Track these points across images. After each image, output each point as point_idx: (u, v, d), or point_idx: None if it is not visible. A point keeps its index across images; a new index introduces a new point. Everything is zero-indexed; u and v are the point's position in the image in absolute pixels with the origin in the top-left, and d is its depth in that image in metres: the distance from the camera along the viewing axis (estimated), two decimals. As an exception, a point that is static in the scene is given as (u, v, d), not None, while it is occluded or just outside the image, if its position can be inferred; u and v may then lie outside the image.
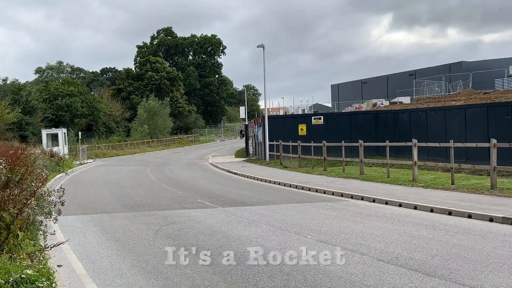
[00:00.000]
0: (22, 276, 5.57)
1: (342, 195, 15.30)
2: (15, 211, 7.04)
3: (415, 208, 12.35)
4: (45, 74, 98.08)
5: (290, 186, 18.80)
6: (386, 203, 13.34)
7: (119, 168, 35.18)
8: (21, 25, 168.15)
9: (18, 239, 6.85)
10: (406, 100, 48.41)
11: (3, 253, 6.64)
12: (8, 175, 8.88)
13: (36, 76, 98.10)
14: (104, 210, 13.76)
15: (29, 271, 5.59)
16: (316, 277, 6.61)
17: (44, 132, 42.36)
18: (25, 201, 7.36)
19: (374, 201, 13.87)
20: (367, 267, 7.03)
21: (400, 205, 12.87)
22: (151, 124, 69.76)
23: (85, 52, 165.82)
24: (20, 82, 68.01)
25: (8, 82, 69.05)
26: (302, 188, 17.77)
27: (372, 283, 6.30)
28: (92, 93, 78.39)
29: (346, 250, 8.03)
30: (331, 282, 6.38)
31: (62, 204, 8.74)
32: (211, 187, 19.53)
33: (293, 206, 13.51)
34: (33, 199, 8.31)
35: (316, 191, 16.71)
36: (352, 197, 14.84)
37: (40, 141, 41.47)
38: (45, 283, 5.62)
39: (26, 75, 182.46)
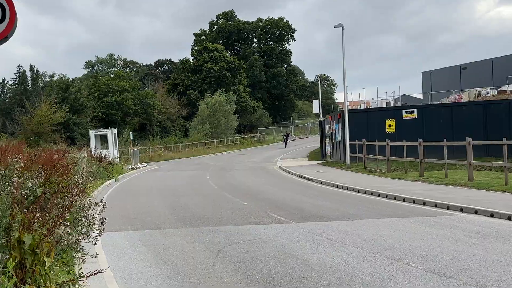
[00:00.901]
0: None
1: (448, 208, 14.06)
2: (43, 232, 6.54)
3: (551, 225, 10.92)
4: (95, 68, 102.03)
5: (378, 195, 17.84)
6: (509, 218, 11.98)
7: (175, 173, 35.35)
8: (71, 13, 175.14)
9: (45, 268, 6.33)
10: (518, 87, 45.52)
11: (26, 286, 6.15)
12: (40, 191, 8.49)
13: (86, 71, 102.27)
14: (155, 225, 13.37)
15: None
16: (432, 325, 5.59)
17: (92, 133, 43.45)
18: (56, 219, 6.87)
19: (492, 215, 12.52)
20: (501, 311, 5.92)
21: (529, 221, 11.48)
22: (212, 122, 70.57)
23: (139, 42, 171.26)
24: (68, 78, 71.02)
25: (56, 78, 72.21)
26: (395, 198, 16.73)
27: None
28: (146, 88, 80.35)
29: (468, 286, 6.91)
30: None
31: (103, 223, 8.23)
32: (281, 196, 19.05)
33: (386, 221, 12.47)
34: (68, 215, 7.84)
35: (413, 202, 15.60)
36: (461, 210, 13.59)
37: (89, 143, 42.54)
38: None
39: (75, 70, 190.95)
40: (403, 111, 32.17)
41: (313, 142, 63.41)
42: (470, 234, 10.56)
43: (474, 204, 13.73)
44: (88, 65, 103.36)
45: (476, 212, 13.10)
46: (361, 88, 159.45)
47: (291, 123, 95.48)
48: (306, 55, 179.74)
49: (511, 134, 25.94)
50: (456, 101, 44.38)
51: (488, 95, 43.99)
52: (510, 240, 9.85)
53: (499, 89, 46.40)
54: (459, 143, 20.86)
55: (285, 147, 62.01)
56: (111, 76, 77.76)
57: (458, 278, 7.30)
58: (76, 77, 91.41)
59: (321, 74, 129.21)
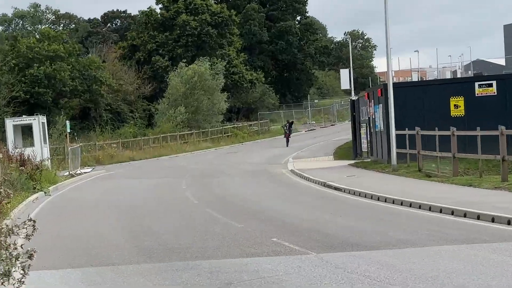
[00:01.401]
0: None
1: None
2: None
3: None
4: (13, 25, 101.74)
5: (440, 211, 17.90)
6: None
7: (135, 182, 35.41)
8: None
9: None
10: None
11: None
12: None
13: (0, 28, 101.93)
14: (106, 259, 13.45)
15: None
16: None
17: (10, 123, 43.29)
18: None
19: None
20: None
21: None
22: (190, 104, 70.52)
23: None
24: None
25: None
26: (465, 215, 16.76)
27: None
28: (89, 55, 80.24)
29: None
30: None
31: (30, 257, 8.26)
32: (294, 215, 19.23)
33: (451, 250, 12.53)
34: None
35: (493, 221, 15.62)
36: None
37: (5, 138, 42.49)
38: None
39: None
40: (476, 84, 32.11)
41: (341, 132, 63.35)
42: None
43: None
44: (3, 21, 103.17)
45: None
46: (412, 51, 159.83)
47: (308, 105, 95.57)
48: (330, 3, 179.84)
49: None
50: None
51: None
52: None
53: None
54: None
55: (287, 145, 59.79)
56: (37, 36, 77.61)
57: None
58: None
59: (352, 31, 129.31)
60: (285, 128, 64.37)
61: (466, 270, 10.81)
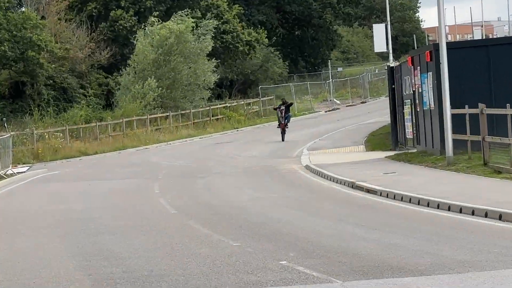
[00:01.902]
0: None
1: None
2: None
3: None
4: None
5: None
6: None
7: (88, 185, 35.43)
8: None
9: None
10: None
11: None
12: None
13: None
14: (50, 294, 13.41)
15: None
16: None
17: None
18: None
19: None
20: None
21: None
22: (165, 76, 70.30)
23: None
24: None
25: None
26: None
27: None
28: (23, 9, 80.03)
29: None
30: None
31: None
32: (311, 228, 19.42)
33: (530, 274, 12.51)
34: None
35: None
36: None
37: None
38: None
39: None
40: None
41: (375, 112, 63.38)
42: None
43: None
44: None
45: None
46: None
47: (329, 75, 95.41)
48: None
49: None
50: None
51: None
52: None
53: None
54: None
55: (282, 139, 55.09)
56: None
57: None
58: None
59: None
60: (279, 112, 56.10)
61: None
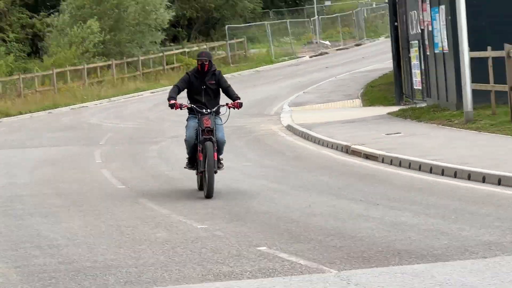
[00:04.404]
0: None
1: None
2: None
3: None
4: None
5: None
6: None
7: (12, 154, 35.34)
8: None
9: None
10: None
11: None
12: None
13: None
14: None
15: None
16: None
17: None
18: None
19: None
20: None
21: None
22: (107, 15, 70.46)
23: None
24: None
25: None
26: None
27: None
28: None
29: None
30: None
31: None
32: (296, 205, 19.29)
33: None
34: None
35: None
36: None
37: None
38: None
39: None
40: None
41: (375, 57, 63.85)
42: None
43: None
44: None
45: None
46: None
47: (315, 11, 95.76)
48: None
49: None
50: None
51: None
52: None
53: None
54: None
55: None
56: None
57: None
58: None
59: None
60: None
61: None
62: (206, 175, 16.84)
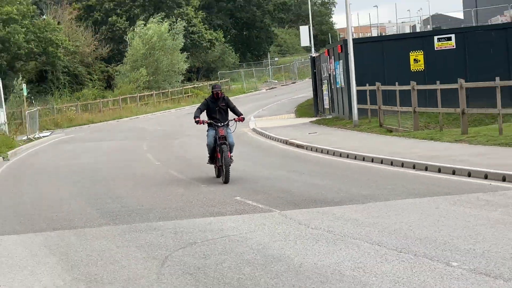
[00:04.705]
0: None
1: (504, 179, 14.38)
2: None
3: None
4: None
5: (402, 165, 18.11)
6: None
7: (94, 145, 35.09)
8: None
9: None
10: None
11: None
12: None
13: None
14: (69, 223, 13.32)
15: None
16: None
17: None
18: None
19: None
20: None
21: None
22: (150, 65, 70.11)
23: None
24: None
25: None
26: (426, 169, 16.99)
27: None
28: (44, 16, 78.65)
29: (535, 291, 7.11)
30: None
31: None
32: (258, 174, 19.26)
33: (413, 203, 12.68)
34: None
35: (453, 173, 15.89)
36: (524, 181, 13.88)
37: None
38: None
39: None
40: (436, 38, 32.15)
41: (302, 90, 63.26)
42: (536, 217, 10.81)
43: (542, 173, 14.04)
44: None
45: (545, 184, 13.41)
46: (371, 6, 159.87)
47: (269, 63, 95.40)
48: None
49: None
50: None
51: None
52: None
53: None
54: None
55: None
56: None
57: (521, 282, 7.49)
58: None
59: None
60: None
61: (428, 222, 10.94)
62: (224, 168, 16.20)
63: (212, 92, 17.40)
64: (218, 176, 17.50)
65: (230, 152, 17.00)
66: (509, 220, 10.62)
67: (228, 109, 17.47)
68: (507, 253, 8.68)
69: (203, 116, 17.39)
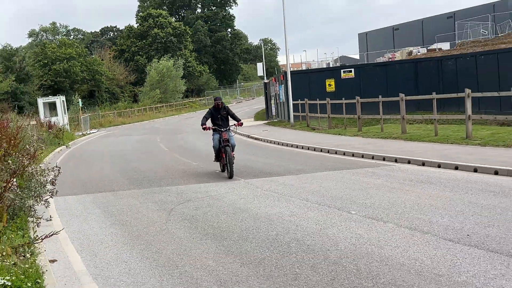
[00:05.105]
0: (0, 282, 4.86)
1: (384, 159, 14.46)
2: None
3: (475, 170, 11.41)
4: (39, 37, 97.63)
5: (321, 150, 18.08)
6: (439, 166, 12.44)
7: (125, 138, 34.73)
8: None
9: (-1, 232, 6.16)
10: (445, 46, 46.62)
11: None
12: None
13: (30, 39, 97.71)
14: (108, 188, 13.16)
15: (2, 281, 4.87)
16: (371, 265, 5.79)
17: (40, 101, 41.87)
18: (5, 184, 6.65)
19: (423, 164, 12.96)
20: (433, 249, 6.18)
21: (456, 168, 11.94)
22: (161, 87, 69.82)
23: (84, 9, 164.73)
24: (12, 47, 67.38)
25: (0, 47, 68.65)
26: (336, 153, 17.02)
27: (445, 271, 5.44)
28: (93, 55, 77.69)
29: (403, 228, 7.19)
30: (391, 271, 5.55)
31: (53, 184, 8.04)
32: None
33: (328, 174, 12.70)
34: (16, 180, 7.62)
35: (353, 155, 15.93)
36: (396, 160, 13.99)
37: (38, 111, 41.03)
38: (32, 288, 4.91)
39: (20, 38, 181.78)
40: (342, 71, 32.40)
41: (259, 103, 63.39)
42: (404, 182, 10.89)
43: (407, 155, 14.10)
44: (32, 33, 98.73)
45: (409, 162, 13.49)
46: (302, 51, 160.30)
47: (237, 86, 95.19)
48: (251, 20, 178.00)
49: (440, 89, 26.64)
50: (390, 60, 45.06)
51: (419, 53, 44.85)
52: (439, 185, 10.21)
53: (428, 48, 47.27)
54: (393, 99, 21.18)
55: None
56: (57, 43, 74.79)
57: (394, 222, 7.57)
58: (21, 45, 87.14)
59: (264, 38, 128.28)
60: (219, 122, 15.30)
61: (337, 186, 11.01)
62: (228, 166, 13.07)
63: (215, 103, 14.12)
64: (222, 170, 14.25)
65: (232, 151, 13.75)
66: (387, 185, 10.73)
67: (229, 116, 14.21)
68: (386, 205, 8.80)
69: (208, 123, 14.41)
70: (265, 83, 45.28)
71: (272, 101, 40.34)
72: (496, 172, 10.97)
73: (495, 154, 12.88)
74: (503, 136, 15.65)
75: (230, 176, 13.11)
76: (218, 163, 14.95)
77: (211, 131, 14.11)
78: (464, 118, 16.62)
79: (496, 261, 5.63)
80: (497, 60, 23.56)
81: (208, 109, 14.23)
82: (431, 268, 5.59)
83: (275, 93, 38.27)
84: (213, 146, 14.04)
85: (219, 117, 13.99)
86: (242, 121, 14.44)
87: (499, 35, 39.58)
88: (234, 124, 14.15)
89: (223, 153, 13.73)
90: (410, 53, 45.95)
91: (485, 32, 44.08)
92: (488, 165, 11.42)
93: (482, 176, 10.89)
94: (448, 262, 5.71)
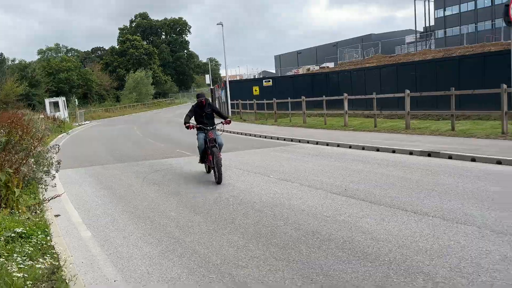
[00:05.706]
0: (18, 231, 4.54)
1: (291, 140, 14.65)
2: (11, 171, 5.90)
3: (350, 147, 11.83)
4: (46, 54, 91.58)
5: (250, 135, 17.94)
6: (327, 145, 12.79)
7: (111, 127, 33.24)
8: (29, 11, 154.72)
9: (16, 196, 5.75)
10: (331, 65, 47.84)
11: (2, 210, 5.56)
12: (5, 138, 7.54)
13: (39, 56, 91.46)
14: (98, 163, 12.53)
15: (19, 230, 4.55)
16: (283, 211, 5.90)
17: (47, 101, 39.43)
18: (21, 161, 6.20)
19: (317, 143, 13.28)
20: (323, 199, 6.38)
21: (338, 146, 12.33)
22: (137, 91, 67.30)
23: (80, 34, 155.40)
24: (26, 61, 63.39)
25: (16, 62, 64.40)
26: (260, 137, 16.96)
27: (330, 213, 5.65)
28: (86, 68, 73.64)
29: (304, 186, 7.36)
30: (296, 215, 5.68)
31: (59, 163, 7.57)
32: (187, 140, 18.31)
33: (255, 151, 12.71)
34: (31, 158, 7.12)
35: (271, 138, 15.97)
36: (299, 141, 14.22)
37: (45, 108, 38.57)
38: (40, 236, 4.63)
39: (31, 55, 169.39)
40: (263, 81, 32.26)
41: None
42: (305, 155, 11.10)
43: (307, 137, 14.32)
44: (40, 52, 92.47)
45: (308, 142, 13.73)
46: (237, 66, 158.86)
47: (192, 91, 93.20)
48: (201, 44, 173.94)
49: (328, 93, 27.30)
50: (295, 73, 45.72)
51: (314, 69, 45.80)
52: (327, 157, 10.49)
53: (320, 66, 48.45)
54: (297, 100, 21.43)
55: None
56: (60, 59, 70.52)
57: (298, 182, 7.71)
58: (32, 60, 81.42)
59: (210, 57, 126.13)
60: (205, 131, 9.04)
61: (261, 159, 11.01)
62: (216, 169, 7.88)
63: (198, 100, 8.72)
64: (208, 172, 9.17)
65: (220, 151, 8.36)
66: (293, 157, 10.83)
67: (214, 113, 8.88)
68: (293, 171, 8.93)
69: (193, 121, 9.20)
70: (211, 89, 44.58)
71: (217, 102, 39.77)
72: (363, 148, 11.44)
73: (362, 136, 13.41)
74: (367, 125, 16.32)
75: (218, 182, 7.93)
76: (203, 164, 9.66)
77: (195, 130, 8.67)
78: (343, 113, 17.19)
79: (363, 206, 5.88)
80: (364, 74, 24.46)
81: (191, 106, 8.89)
82: (321, 212, 5.77)
83: (219, 96, 37.78)
84: (198, 147, 8.74)
85: (204, 115, 8.76)
86: (229, 118, 9.23)
87: (365, 58, 41.13)
88: (221, 122, 8.82)
89: (209, 154, 8.46)
90: (308, 69, 46.83)
91: (357, 56, 45.70)
92: (357, 143, 11.89)
93: (354, 151, 11.31)
94: (333, 208, 5.91)
